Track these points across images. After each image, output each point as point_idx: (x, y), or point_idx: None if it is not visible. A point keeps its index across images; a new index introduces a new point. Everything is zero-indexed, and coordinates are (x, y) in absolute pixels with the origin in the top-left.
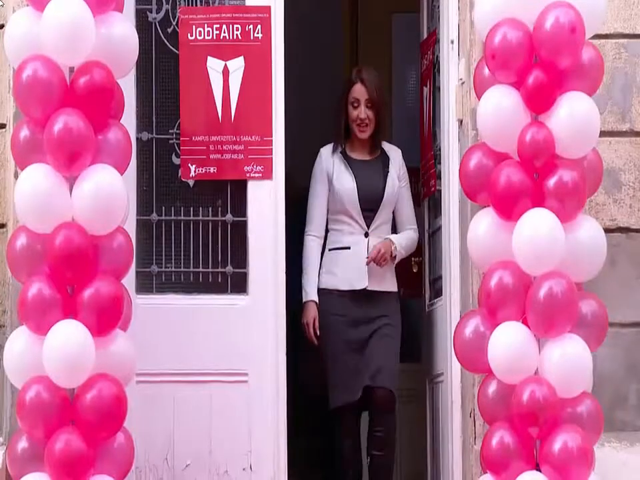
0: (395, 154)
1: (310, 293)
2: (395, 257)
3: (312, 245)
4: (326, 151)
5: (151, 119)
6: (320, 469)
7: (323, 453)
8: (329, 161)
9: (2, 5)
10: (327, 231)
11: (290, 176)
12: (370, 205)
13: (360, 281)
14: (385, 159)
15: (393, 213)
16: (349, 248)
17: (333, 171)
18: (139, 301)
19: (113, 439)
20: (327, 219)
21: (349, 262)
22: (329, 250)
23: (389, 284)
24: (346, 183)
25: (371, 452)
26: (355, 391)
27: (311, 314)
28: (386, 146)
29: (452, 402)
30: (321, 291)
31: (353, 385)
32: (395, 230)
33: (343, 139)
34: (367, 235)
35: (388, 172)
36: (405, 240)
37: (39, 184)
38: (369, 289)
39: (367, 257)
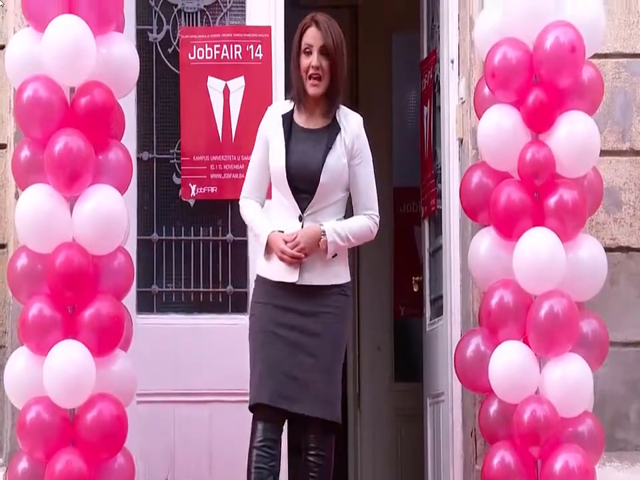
0: (351, 123)
1: (264, 231)
2: (326, 249)
3: (246, 203)
4: (272, 109)
5: (151, 138)
6: None
7: None
8: (270, 122)
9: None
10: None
11: None
12: (304, 185)
13: (290, 274)
14: (334, 130)
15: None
16: (282, 232)
17: (272, 137)
18: (140, 320)
19: (114, 460)
20: (272, 193)
21: None
22: None
23: (331, 276)
24: (276, 156)
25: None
26: (277, 394)
27: (278, 242)
28: (343, 112)
29: (453, 421)
30: (256, 278)
31: (277, 386)
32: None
33: (297, 101)
34: (300, 219)
35: (331, 147)
36: (348, 227)
37: (40, 204)
38: (299, 283)
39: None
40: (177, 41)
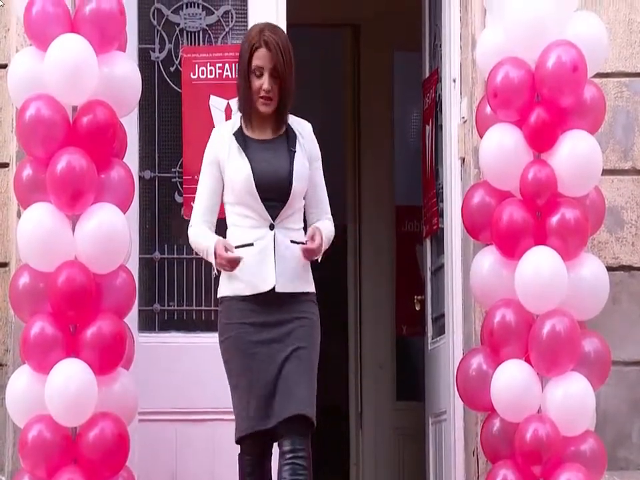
0: (302, 129)
1: (210, 246)
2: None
3: (196, 229)
4: (218, 132)
5: (153, 157)
6: None
7: None
8: (220, 143)
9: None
10: (226, 228)
11: None
12: (272, 193)
13: (265, 281)
14: (290, 136)
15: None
16: (251, 244)
17: (226, 156)
18: (142, 339)
19: (116, 478)
20: (228, 214)
21: (252, 261)
22: None
23: (303, 283)
24: (239, 167)
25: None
26: (265, 417)
27: (219, 247)
28: (292, 120)
29: (455, 440)
30: (221, 300)
31: (263, 411)
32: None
33: (245, 116)
34: (272, 227)
35: (295, 152)
36: (326, 230)
37: (42, 223)
38: (277, 290)
39: (305, 243)
40: (179, 59)
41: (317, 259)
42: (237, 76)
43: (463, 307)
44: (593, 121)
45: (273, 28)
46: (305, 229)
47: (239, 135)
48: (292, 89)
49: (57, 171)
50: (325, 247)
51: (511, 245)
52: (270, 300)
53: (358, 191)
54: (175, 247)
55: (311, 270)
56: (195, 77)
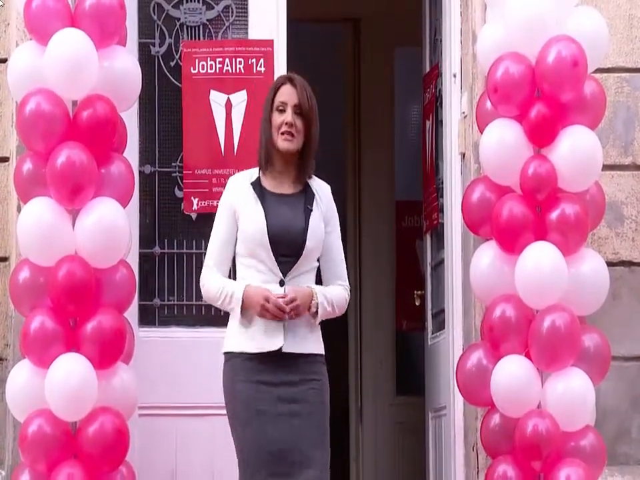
0: (322, 191)
1: (237, 288)
2: (317, 312)
3: (209, 275)
4: (236, 180)
5: (153, 152)
6: None
7: None
8: (237, 193)
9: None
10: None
11: None
12: (285, 248)
13: (272, 341)
14: (309, 195)
15: (318, 264)
16: None
17: (242, 205)
18: (142, 333)
19: (115, 473)
20: (238, 266)
21: (260, 319)
22: None
23: (312, 344)
24: (254, 218)
25: None
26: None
27: (259, 294)
28: (313, 181)
29: (454, 435)
30: (226, 356)
31: (272, 468)
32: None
33: (264, 165)
34: (282, 283)
35: (311, 211)
36: (331, 294)
37: (42, 217)
38: (285, 350)
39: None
40: (179, 54)
41: (315, 321)
42: (260, 124)
43: (462, 302)
44: (593, 116)
45: (298, 76)
46: None
47: (257, 185)
48: (316, 135)
49: (57, 165)
50: (324, 309)
51: (511, 240)
52: (277, 360)
53: (358, 186)
54: (175, 241)
55: (320, 331)
56: (195, 71)
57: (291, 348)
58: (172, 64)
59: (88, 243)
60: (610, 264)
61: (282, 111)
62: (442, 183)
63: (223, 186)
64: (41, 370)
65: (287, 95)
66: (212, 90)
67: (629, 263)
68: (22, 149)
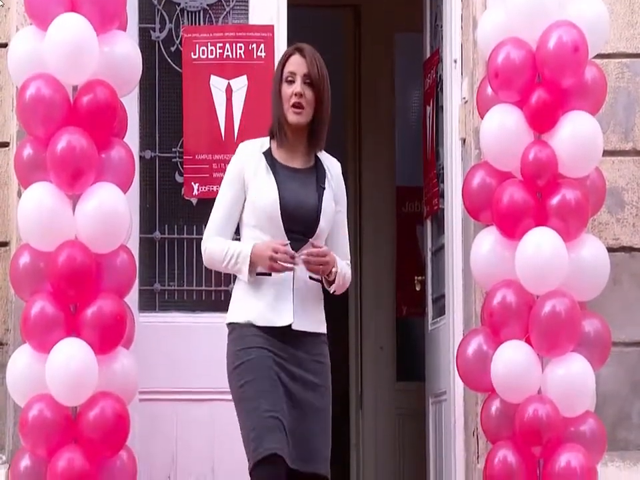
0: (333, 169)
1: (245, 246)
2: (333, 280)
3: (212, 239)
4: (246, 147)
5: (154, 137)
6: None
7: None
8: (247, 159)
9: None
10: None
11: None
12: (297, 225)
13: (282, 317)
14: (321, 173)
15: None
16: (269, 274)
17: (252, 174)
18: (142, 319)
19: (116, 458)
20: (244, 237)
21: (267, 292)
22: None
23: (319, 323)
24: (266, 190)
25: None
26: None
27: (266, 246)
28: (324, 157)
29: (454, 421)
30: (231, 326)
31: (284, 442)
32: None
33: (276, 134)
34: (293, 258)
35: (324, 189)
36: (343, 268)
37: (42, 202)
38: (294, 328)
39: (305, 252)
40: (179, 39)
41: (334, 291)
42: (271, 96)
43: (463, 288)
44: (594, 101)
45: (309, 45)
46: None
47: (269, 156)
48: (327, 106)
49: (58, 150)
50: (338, 281)
51: (512, 226)
52: (285, 335)
53: (359, 172)
54: (176, 226)
55: (323, 310)
56: (196, 56)
57: (300, 326)
58: (172, 49)
59: (88, 228)
60: (610, 249)
61: (291, 82)
62: (442, 168)
63: (224, 171)
64: (42, 355)
65: (296, 64)
66: (212, 75)
67: (629, 249)
68: (22, 133)
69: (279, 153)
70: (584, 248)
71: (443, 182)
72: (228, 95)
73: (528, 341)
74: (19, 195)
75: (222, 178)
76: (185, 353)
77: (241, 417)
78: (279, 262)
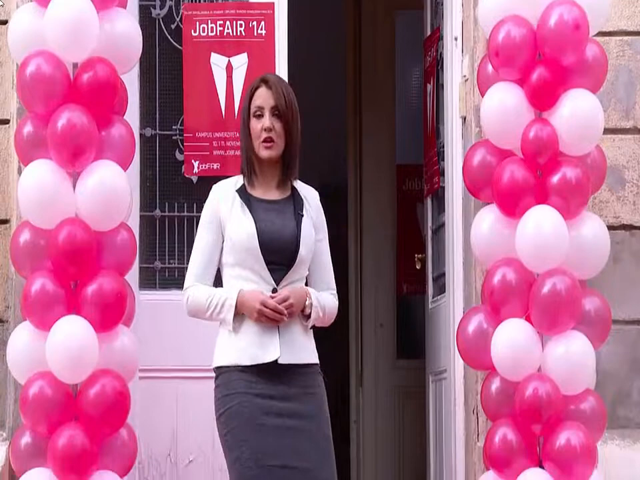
0: (311, 198)
1: (230, 294)
2: (309, 315)
3: (194, 288)
4: (219, 188)
5: (154, 115)
6: None
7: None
8: (222, 202)
9: (2, 5)
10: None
11: None
12: (277, 256)
13: (268, 352)
14: (298, 201)
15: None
16: None
17: (228, 213)
18: (142, 296)
19: (116, 435)
20: (226, 277)
21: (252, 329)
22: None
23: (308, 354)
24: (243, 227)
25: None
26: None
27: (255, 298)
28: (300, 185)
29: (455, 398)
30: (217, 371)
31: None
32: None
33: (246, 172)
34: (275, 292)
35: (302, 216)
36: (324, 300)
37: (43, 180)
38: (281, 362)
39: (270, 294)
40: (180, 17)
41: (312, 326)
42: (240, 132)
43: (463, 266)
44: (595, 79)
45: (275, 75)
46: None
47: (243, 192)
48: (297, 136)
49: (58, 127)
50: (316, 315)
51: (512, 204)
52: (273, 372)
53: (359, 150)
54: (176, 204)
55: (314, 340)
56: (196, 34)
57: (287, 359)
58: (172, 26)
59: (89, 205)
60: (611, 228)
61: (259, 116)
62: (443, 146)
63: (224, 149)
64: (42, 332)
65: (263, 98)
66: (213, 53)
67: (629, 227)
68: (22, 111)
69: (252, 188)
70: (584, 226)
71: (443, 160)
72: (228, 73)
73: (528, 319)
74: (19, 172)
75: (222, 156)
76: (186, 331)
77: (227, 465)
78: (267, 316)
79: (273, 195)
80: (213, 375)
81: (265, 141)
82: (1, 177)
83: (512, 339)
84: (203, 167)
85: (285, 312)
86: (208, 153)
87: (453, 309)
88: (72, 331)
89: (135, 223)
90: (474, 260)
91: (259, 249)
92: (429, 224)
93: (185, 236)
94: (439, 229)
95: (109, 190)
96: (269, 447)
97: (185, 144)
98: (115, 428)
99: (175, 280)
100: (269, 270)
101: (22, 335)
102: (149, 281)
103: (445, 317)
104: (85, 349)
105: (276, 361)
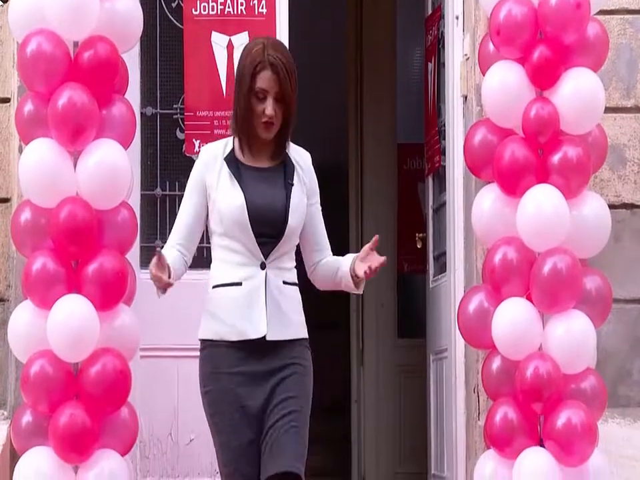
0: (302, 160)
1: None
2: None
3: (166, 251)
4: (209, 150)
5: (155, 93)
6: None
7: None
8: (209, 166)
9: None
10: (210, 262)
11: None
12: (266, 228)
13: (255, 328)
14: (288, 168)
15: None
16: (239, 284)
17: (215, 182)
18: (143, 275)
19: (117, 414)
20: (214, 245)
21: (239, 303)
22: (213, 287)
23: (296, 328)
24: (231, 196)
25: None
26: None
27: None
28: (292, 149)
29: (456, 377)
30: (203, 344)
31: (254, 469)
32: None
33: (243, 138)
34: (263, 266)
35: (292, 185)
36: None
37: (44, 158)
38: (269, 338)
39: (364, 271)
40: None
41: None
42: (234, 91)
43: (464, 245)
44: (596, 58)
45: (277, 45)
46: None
47: (232, 160)
48: (294, 113)
49: (59, 106)
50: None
51: (513, 183)
52: (259, 347)
53: (360, 129)
54: (177, 183)
55: (303, 312)
56: (197, 12)
57: (274, 335)
58: (173, 5)
59: (89, 184)
60: (612, 206)
61: (262, 99)
62: (444, 125)
63: (225, 128)
64: (43, 311)
65: (267, 82)
66: (213, 31)
67: (630, 206)
68: (23, 89)
69: (242, 154)
70: (585, 205)
71: (444, 139)
72: (229, 52)
73: (529, 298)
74: (20, 151)
75: (223, 135)
76: (186, 310)
77: (215, 443)
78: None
79: (264, 162)
80: None
81: (266, 123)
82: (1, 155)
83: (513, 318)
84: (204, 146)
85: (164, 279)
86: (209, 131)
87: (453, 288)
88: (73, 309)
89: (135, 202)
90: (475, 239)
91: (249, 222)
92: (430, 203)
93: None
94: (440, 208)
95: (110, 169)
96: (252, 431)
97: (185, 123)
98: (115, 406)
99: None
100: (258, 244)
101: (23, 314)
102: (150, 259)
103: (446, 296)
104: (85, 327)
105: (264, 337)
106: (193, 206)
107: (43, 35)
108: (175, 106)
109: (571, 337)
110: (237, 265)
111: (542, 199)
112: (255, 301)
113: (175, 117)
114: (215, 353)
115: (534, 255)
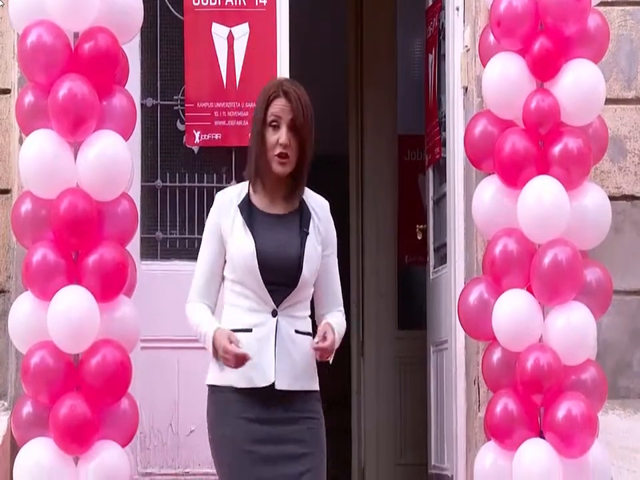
0: (319, 208)
1: (209, 331)
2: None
3: (192, 306)
4: (222, 198)
5: (155, 85)
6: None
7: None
8: (225, 212)
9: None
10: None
11: None
12: (278, 276)
13: (263, 376)
14: (304, 215)
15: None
16: (250, 330)
17: (229, 229)
18: (144, 267)
19: (118, 405)
20: (227, 290)
21: (249, 349)
22: None
23: (307, 380)
24: (242, 246)
25: None
26: None
27: (223, 337)
28: (309, 196)
29: (456, 369)
30: (211, 389)
31: None
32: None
33: (253, 180)
34: (275, 313)
35: (307, 234)
36: (340, 328)
37: (44, 149)
38: (277, 388)
39: (316, 342)
40: None
41: (328, 360)
42: (250, 134)
43: (464, 236)
44: (597, 49)
45: (293, 82)
46: (312, 317)
47: (245, 206)
48: (310, 151)
49: (59, 97)
50: (336, 345)
51: (514, 174)
52: (269, 396)
53: (360, 120)
54: (177, 175)
55: (315, 364)
56: (197, 4)
57: (282, 385)
58: None
59: (90, 175)
60: (612, 198)
61: (276, 127)
62: (444, 116)
63: (225, 119)
64: (43, 302)
65: (281, 109)
66: (214, 23)
67: (631, 197)
68: (24, 80)
69: (257, 198)
70: (586, 197)
71: (444, 130)
72: (230, 43)
73: (529, 290)
74: (21, 142)
75: (223, 126)
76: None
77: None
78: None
79: (279, 208)
80: None
81: (280, 155)
82: (1, 146)
83: (513, 309)
84: (204, 137)
85: (248, 355)
86: (209, 123)
87: (454, 280)
88: (73, 301)
89: (136, 193)
90: (475, 230)
91: (258, 269)
92: (430, 194)
93: (186, 206)
94: (440, 199)
95: (110, 160)
96: (260, 475)
97: (186, 114)
98: (116, 398)
99: (176, 250)
100: (268, 291)
101: (23, 305)
102: (150, 251)
103: (446, 288)
104: (86, 319)
105: (272, 385)
106: (211, 253)
107: (43, 26)
108: (175, 97)
109: (571, 329)
110: (247, 310)
111: (542, 190)
112: (264, 348)
113: (175, 108)
114: (221, 400)
115: (534, 246)
